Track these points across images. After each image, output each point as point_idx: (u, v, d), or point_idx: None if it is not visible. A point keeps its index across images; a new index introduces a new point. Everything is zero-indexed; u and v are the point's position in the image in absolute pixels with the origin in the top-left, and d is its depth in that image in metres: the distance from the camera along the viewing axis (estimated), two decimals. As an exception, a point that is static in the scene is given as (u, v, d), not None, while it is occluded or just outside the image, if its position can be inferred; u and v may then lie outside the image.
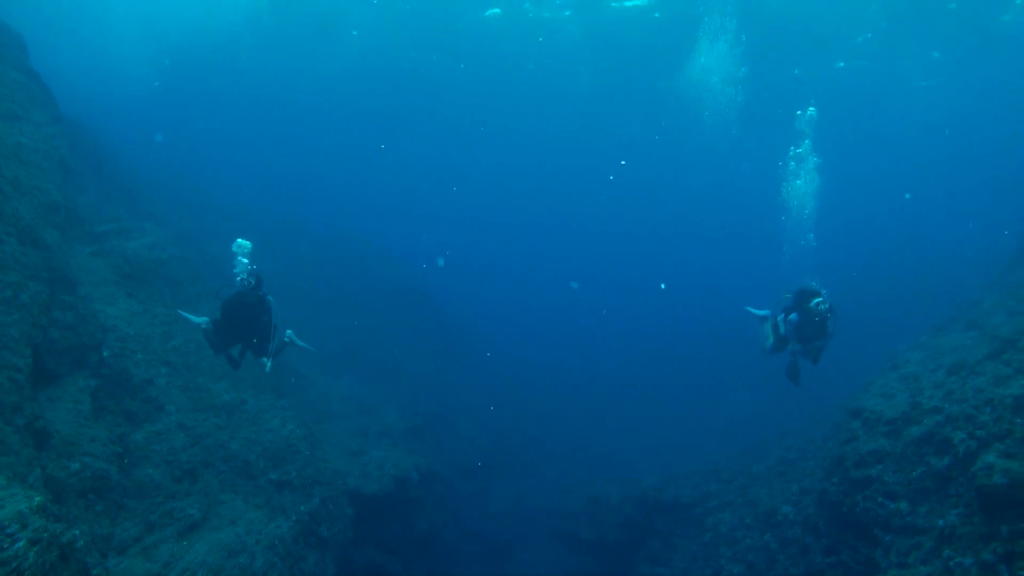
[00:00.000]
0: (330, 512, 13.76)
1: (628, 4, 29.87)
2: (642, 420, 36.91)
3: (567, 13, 31.23)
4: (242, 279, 10.01)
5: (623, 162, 49.43)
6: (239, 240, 10.42)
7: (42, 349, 10.34)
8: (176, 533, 10.48)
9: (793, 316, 11.34)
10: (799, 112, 24.27)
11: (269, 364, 10.65)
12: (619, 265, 66.75)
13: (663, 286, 61.35)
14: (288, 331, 11.61)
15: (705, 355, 45.71)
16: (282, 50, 37.08)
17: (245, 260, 10.26)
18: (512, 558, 24.14)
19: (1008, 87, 33.20)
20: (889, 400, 12.40)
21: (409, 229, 58.37)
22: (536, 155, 52.22)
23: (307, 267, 29.56)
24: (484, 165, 55.41)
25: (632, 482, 21.75)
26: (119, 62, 39.90)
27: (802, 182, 23.54)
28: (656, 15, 30.23)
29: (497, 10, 31.58)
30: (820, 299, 10.86)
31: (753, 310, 12.80)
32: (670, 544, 18.24)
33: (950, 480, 9.64)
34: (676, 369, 45.37)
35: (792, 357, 11.67)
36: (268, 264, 11.66)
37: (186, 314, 11.42)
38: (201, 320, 10.69)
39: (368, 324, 29.46)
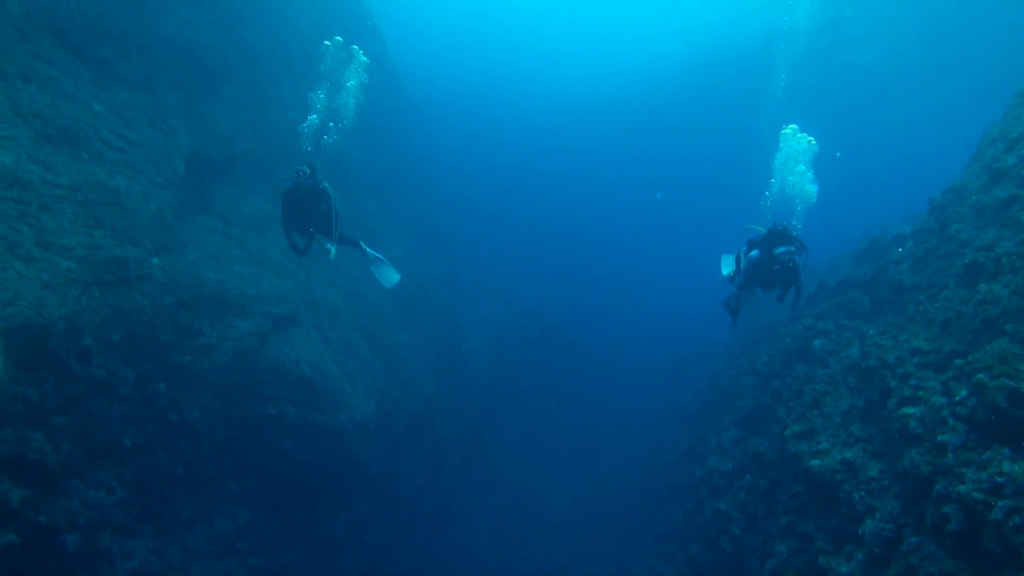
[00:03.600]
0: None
1: None
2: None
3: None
4: (298, 169, 10.41)
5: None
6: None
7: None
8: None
9: (754, 253, 10.53)
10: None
11: (334, 251, 11.09)
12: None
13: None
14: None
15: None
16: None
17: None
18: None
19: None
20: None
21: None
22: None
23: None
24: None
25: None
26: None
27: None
28: None
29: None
30: (787, 248, 9.94)
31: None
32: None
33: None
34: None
35: (733, 294, 11.08)
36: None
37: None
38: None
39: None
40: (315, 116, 14.59)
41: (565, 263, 42.26)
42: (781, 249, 9.94)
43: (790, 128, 12.91)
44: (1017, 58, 29.38)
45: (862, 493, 9.54)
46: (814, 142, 12.58)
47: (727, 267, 11.89)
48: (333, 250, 11.12)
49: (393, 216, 22.80)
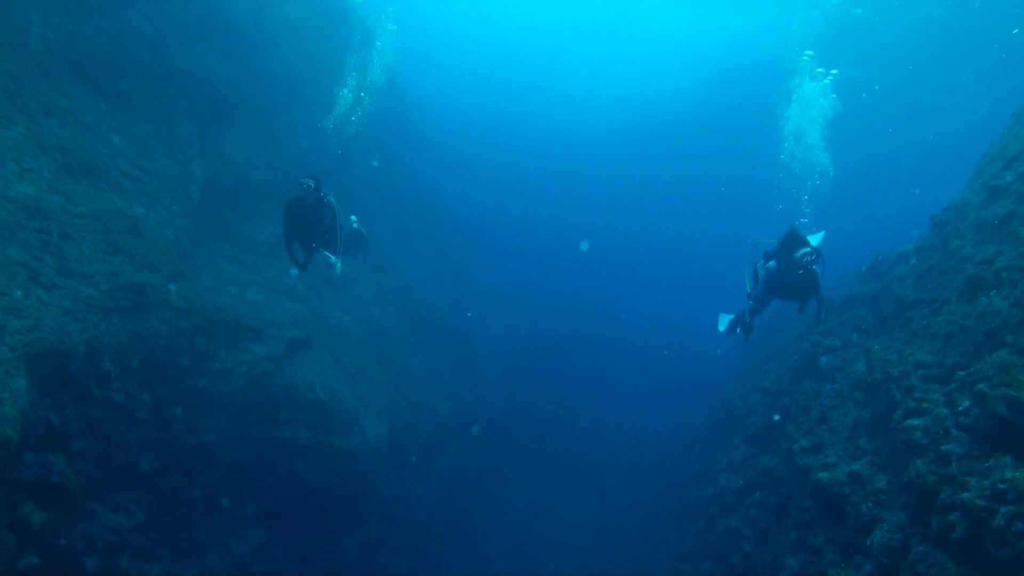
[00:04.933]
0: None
1: None
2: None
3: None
4: (301, 182, 10.48)
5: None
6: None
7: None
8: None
9: (772, 264, 10.33)
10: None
11: (339, 265, 11.15)
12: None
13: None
14: (352, 217, 12.12)
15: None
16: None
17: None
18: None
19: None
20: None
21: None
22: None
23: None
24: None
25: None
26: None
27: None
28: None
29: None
30: (807, 250, 9.78)
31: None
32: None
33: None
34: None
35: (747, 308, 10.89)
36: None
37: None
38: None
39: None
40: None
41: (576, 284, 42.44)
42: (802, 251, 9.84)
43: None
44: (1016, 80, 29.68)
45: (870, 504, 9.63)
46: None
47: (723, 325, 12.08)
48: (338, 264, 11.18)
49: (405, 241, 23.11)
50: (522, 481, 25.83)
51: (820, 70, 25.38)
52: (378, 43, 23.29)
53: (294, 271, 11.13)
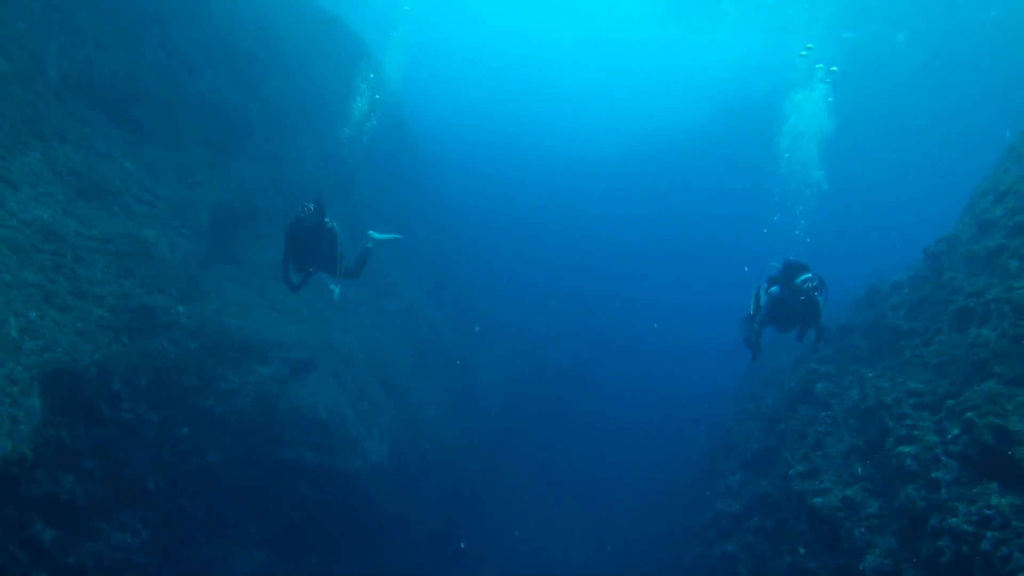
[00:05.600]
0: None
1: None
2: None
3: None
4: (303, 204, 10.42)
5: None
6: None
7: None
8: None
9: (775, 289, 10.53)
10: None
11: (337, 291, 11.13)
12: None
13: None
14: (371, 232, 12.35)
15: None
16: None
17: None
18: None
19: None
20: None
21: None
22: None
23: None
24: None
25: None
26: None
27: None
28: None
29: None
30: (808, 276, 9.98)
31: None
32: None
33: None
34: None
35: (753, 330, 10.93)
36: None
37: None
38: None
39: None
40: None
41: (577, 307, 42.67)
42: (803, 277, 10.00)
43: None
44: (1009, 115, 30.18)
45: (862, 529, 9.83)
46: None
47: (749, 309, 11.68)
48: (337, 291, 11.16)
49: (408, 264, 23.37)
50: (523, 501, 25.96)
51: (820, 65, 25.79)
52: (383, 68, 23.78)
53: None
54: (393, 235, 12.89)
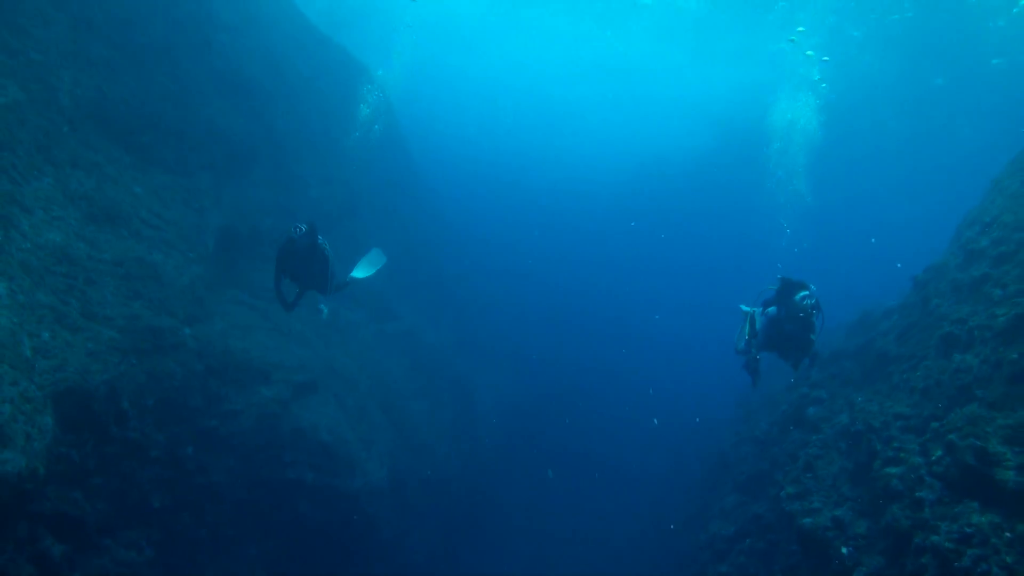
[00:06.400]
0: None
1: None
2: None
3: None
4: (295, 226, 10.59)
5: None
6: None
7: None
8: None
9: (772, 310, 10.25)
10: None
11: (326, 311, 11.47)
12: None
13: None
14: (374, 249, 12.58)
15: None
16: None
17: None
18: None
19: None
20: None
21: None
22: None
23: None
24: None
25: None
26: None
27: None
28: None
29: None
30: (806, 293, 9.69)
31: (745, 307, 11.11)
32: None
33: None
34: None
35: (751, 354, 10.58)
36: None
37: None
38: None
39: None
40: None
41: (576, 331, 43.03)
42: (802, 294, 9.69)
43: None
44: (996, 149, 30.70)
45: (851, 548, 10.10)
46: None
47: (743, 337, 11.20)
48: (326, 311, 11.49)
49: (407, 288, 23.69)
50: (520, 523, 26.15)
51: (810, 53, 26.17)
52: (386, 91, 24.26)
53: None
54: (376, 268, 13.05)
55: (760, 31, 30.59)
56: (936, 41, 28.22)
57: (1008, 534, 7.78)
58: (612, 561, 24.03)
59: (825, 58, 27.00)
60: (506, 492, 26.89)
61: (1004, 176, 14.34)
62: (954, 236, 14.54)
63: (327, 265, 11.04)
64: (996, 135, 32.54)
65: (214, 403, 12.80)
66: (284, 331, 15.59)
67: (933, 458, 9.43)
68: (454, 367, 24.95)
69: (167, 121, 14.23)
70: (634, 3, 32.40)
